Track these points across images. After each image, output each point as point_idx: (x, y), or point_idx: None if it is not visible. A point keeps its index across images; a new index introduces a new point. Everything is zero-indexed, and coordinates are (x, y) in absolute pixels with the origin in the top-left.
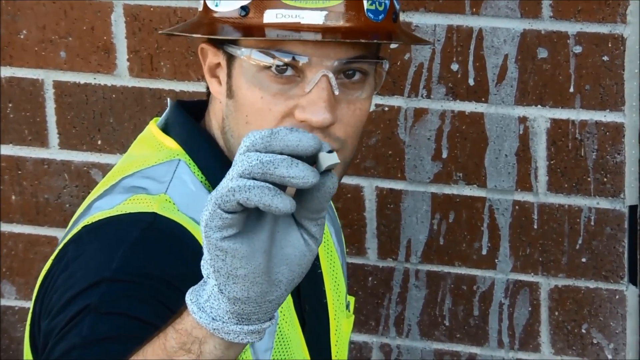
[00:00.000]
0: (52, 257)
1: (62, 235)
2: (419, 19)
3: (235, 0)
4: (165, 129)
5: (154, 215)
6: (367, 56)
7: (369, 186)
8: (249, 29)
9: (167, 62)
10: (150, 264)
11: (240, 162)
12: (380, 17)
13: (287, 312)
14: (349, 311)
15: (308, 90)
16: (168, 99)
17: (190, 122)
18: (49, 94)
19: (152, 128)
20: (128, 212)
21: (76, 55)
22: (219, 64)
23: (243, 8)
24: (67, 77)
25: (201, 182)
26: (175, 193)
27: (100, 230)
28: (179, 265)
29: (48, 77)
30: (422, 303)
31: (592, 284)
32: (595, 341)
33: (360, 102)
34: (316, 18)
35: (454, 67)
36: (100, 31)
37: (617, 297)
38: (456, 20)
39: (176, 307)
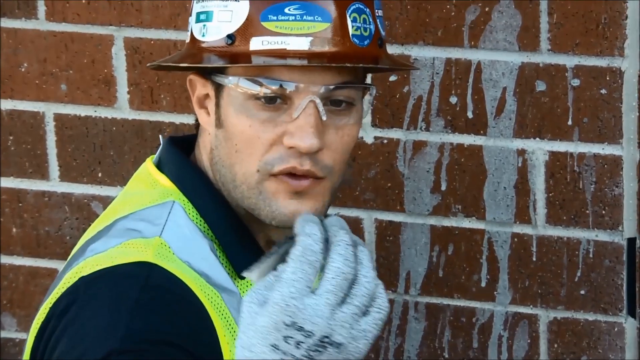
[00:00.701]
0: (50, 302)
1: (60, 271)
2: (417, 52)
3: (221, 29)
4: (159, 165)
5: (150, 267)
6: (354, 82)
7: (368, 218)
8: (235, 56)
9: (167, 94)
10: (154, 328)
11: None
12: (365, 42)
13: None
14: None
15: (295, 117)
16: (160, 137)
17: (181, 158)
18: (50, 127)
19: (148, 165)
20: (123, 262)
21: (77, 88)
22: (207, 95)
23: (229, 36)
24: (68, 109)
25: (195, 223)
26: (170, 236)
27: (97, 286)
28: (180, 323)
29: (49, 110)
30: (421, 335)
31: (590, 317)
32: None
33: (348, 128)
34: (302, 44)
35: (453, 99)
36: (100, 64)
37: (615, 329)
38: (455, 53)
39: None
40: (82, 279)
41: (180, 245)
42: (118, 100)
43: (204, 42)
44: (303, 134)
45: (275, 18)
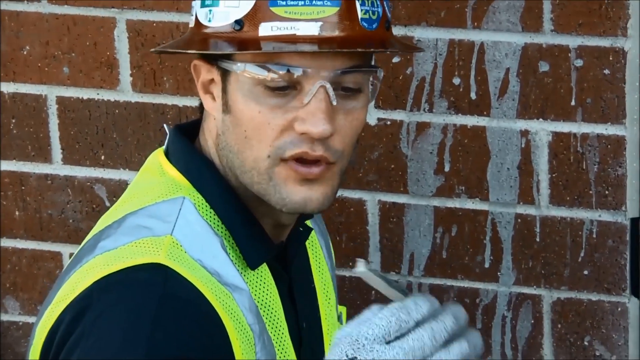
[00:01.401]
0: (59, 303)
1: (68, 264)
2: (420, 33)
3: (228, 15)
4: (167, 156)
5: (165, 272)
6: (363, 65)
7: (372, 200)
8: (244, 42)
9: (170, 77)
10: (175, 342)
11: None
12: (374, 25)
13: (280, 341)
14: (341, 323)
15: (306, 102)
16: (165, 126)
17: (187, 148)
18: (52, 110)
19: (159, 155)
20: (135, 264)
21: (79, 71)
22: (212, 80)
23: (237, 22)
24: (70, 92)
25: (205, 219)
26: (181, 234)
27: (113, 294)
28: (198, 335)
29: (51, 93)
30: None
31: (594, 297)
32: (597, 353)
33: (357, 113)
34: (312, 29)
35: (456, 81)
36: (103, 47)
37: (619, 309)
38: (458, 34)
39: None
40: (96, 283)
41: (192, 243)
42: (121, 83)
43: (210, 27)
44: (315, 119)
45: (284, 3)
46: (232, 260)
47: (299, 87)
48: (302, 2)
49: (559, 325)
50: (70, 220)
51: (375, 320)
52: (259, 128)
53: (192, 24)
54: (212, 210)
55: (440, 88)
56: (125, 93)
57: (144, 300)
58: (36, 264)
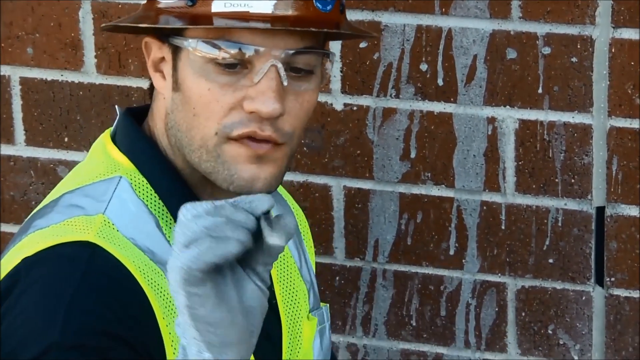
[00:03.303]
0: None
1: (11, 240)
2: (388, 19)
3: None
4: (114, 138)
5: (91, 249)
6: (315, 47)
7: (337, 185)
8: (195, 18)
9: (135, 59)
10: (94, 319)
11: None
12: (328, 7)
13: None
14: (316, 315)
15: (257, 81)
16: (117, 107)
17: (133, 129)
18: (16, 91)
19: (104, 137)
20: (64, 241)
21: (43, 52)
22: (163, 58)
23: None
24: (34, 73)
25: (141, 198)
26: (114, 213)
27: (38, 269)
28: (119, 311)
29: (15, 74)
30: (389, 303)
31: (558, 285)
32: (561, 342)
33: (308, 95)
34: (265, 7)
35: (423, 67)
36: (67, 28)
37: (583, 298)
38: (425, 20)
39: (122, 357)
40: (24, 260)
41: (125, 221)
42: (85, 65)
43: (161, 2)
44: (265, 98)
45: None
46: (167, 240)
47: (249, 65)
48: None
49: (523, 314)
50: (33, 202)
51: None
52: (208, 105)
53: (144, 0)
54: (151, 189)
55: (407, 74)
56: (89, 75)
57: (67, 275)
58: None
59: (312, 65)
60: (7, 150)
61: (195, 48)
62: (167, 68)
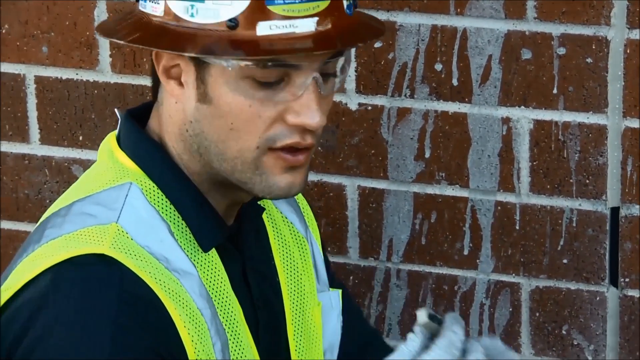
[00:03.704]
0: (7, 289)
1: (19, 250)
2: (403, 19)
3: (219, 12)
4: (119, 141)
5: (119, 269)
6: (342, 51)
7: (351, 185)
8: (240, 44)
9: (149, 58)
10: (137, 341)
11: None
12: (351, 10)
13: (231, 324)
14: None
15: (299, 95)
16: (116, 110)
17: (137, 134)
18: (31, 89)
19: (111, 141)
20: (79, 254)
21: (58, 50)
22: (176, 65)
23: (231, 20)
24: (49, 72)
25: (153, 204)
26: (127, 221)
27: (68, 294)
28: (155, 331)
29: (30, 73)
30: (403, 303)
31: (573, 285)
32: (575, 342)
33: (331, 95)
34: (309, 25)
35: (438, 67)
36: (82, 27)
37: (597, 298)
38: (440, 20)
39: None
40: (47, 279)
41: (139, 229)
42: (100, 64)
43: (193, 22)
44: (310, 112)
45: (282, 2)
46: (180, 245)
47: (287, 78)
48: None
49: (537, 314)
50: (47, 201)
51: (432, 357)
52: (249, 121)
53: (158, 12)
54: (162, 195)
55: (422, 74)
56: (104, 73)
57: (102, 301)
58: (12, 244)
59: (335, 68)
60: (21, 148)
61: (238, 68)
62: (186, 77)
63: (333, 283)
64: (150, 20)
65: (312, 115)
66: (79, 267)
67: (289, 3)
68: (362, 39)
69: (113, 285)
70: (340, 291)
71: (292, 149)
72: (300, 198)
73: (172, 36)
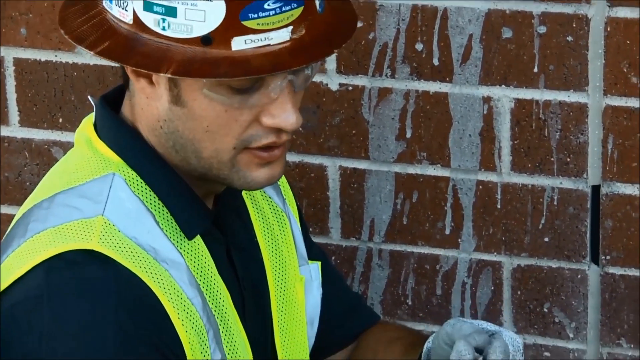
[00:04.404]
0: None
1: (3, 241)
2: None
3: (192, 29)
4: (96, 130)
5: (113, 268)
6: None
7: (333, 165)
8: (220, 61)
9: None
10: (142, 344)
11: None
12: (321, 8)
13: (220, 311)
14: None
15: (275, 97)
16: (90, 98)
17: (115, 123)
18: (9, 72)
19: (87, 129)
20: (67, 250)
21: (37, 32)
22: None
23: (206, 37)
24: (28, 54)
25: (137, 195)
26: (112, 213)
27: (64, 297)
28: (156, 327)
29: (8, 55)
30: (385, 282)
31: (554, 264)
32: (557, 320)
33: (303, 90)
34: (284, 35)
35: (419, 46)
36: None
37: (579, 276)
38: (421, 0)
39: None
40: (39, 278)
41: (125, 220)
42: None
43: (164, 35)
44: (286, 114)
45: (256, 16)
46: (166, 234)
47: (261, 81)
48: (273, 12)
49: (519, 292)
50: (28, 184)
51: None
52: (226, 125)
53: (126, 19)
54: (145, 185)
55: (403, 54)
56: (83, 55)
57: (102, 304)
58: None
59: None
60: (1, 131)
61: (213, 81)
62: (158, 77)
63: (312, 254)
64: (118, 27)
65: (287, 117)
66: (72, 267)
67: (263, 17)
68: (337, 44)
69: (109, 286)
70: (319, 263)
71: (267, 148)
72: None
73: (144, 51)
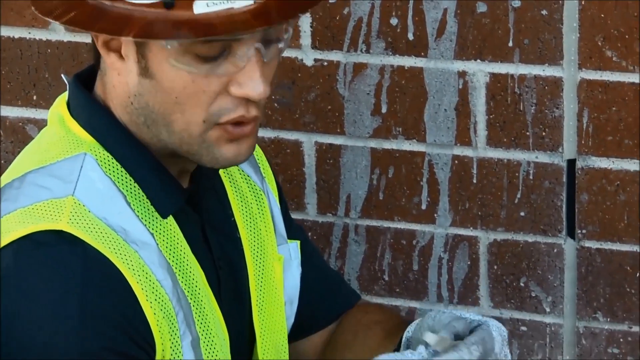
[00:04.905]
0: None
1: None
2: None
3: None
4: (69, 109)
5: (81, 249)
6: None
7: (308, 141)
8: (178, 24)
9: None
10: (105, 323)
11: None
12: None
13: (194, 292)
14: (290, 257)
15: (242, 66)
16: (63, 76)
17: (88, 101)
18: None
19: (61, 108)
20: (36, 230)
21: (10, 9)
22: (115, 38)
23: (167, 1)
24: (2, 31)
25: (108, 175)
26: (83, 194)
27: (30, 279)
28: (122, 309)
29: None
30: (361, 258)
31: (530, 238)
32: (533, 294)
33: (275, 59)
34: (246, 1)
35: (393, 21)
36: None
37: (555, 250)
38: None
39: (135, 353)
40: (5, 258)
41: (95, 201)
42: (52, 23)
43: (128, 2)
44: (253, 83)
45: None
46: (137, 215)
47: (229, 50)
48: None
49: (495, 267)
50: (3, 161)
51: None
52: (194, 95)
53: None
54: (117, 165)
55: (378, 29)
56: (57, 32)
57: (67, 283)
58: None
59: (279, 33)
60: None
61: (178, 45)
62: (127, 51)
63: (291, 233)
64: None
65: (254, 86)
66: (40, 247)
67: None
68: (302, 8)
69: (76, 266)
70: (298, 242)
71: (237, 123)
72: (256, 149)
73: (108, 18)
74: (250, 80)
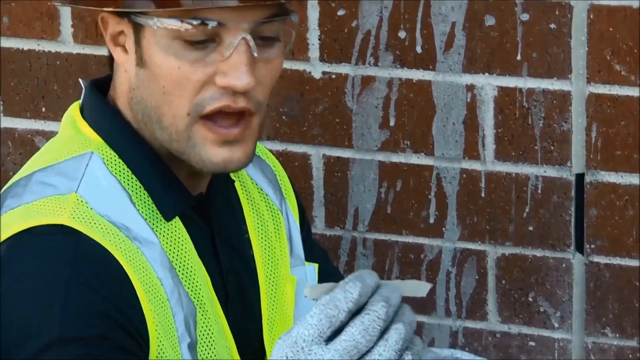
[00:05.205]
0: None
1: None
2: None
3: None
4: (82, 111)
5: (76, 237)
6: (281, 13)
7: (316, 154)
8: None
9: None
10: (90, 309)
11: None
12: None
13: (197, 295)
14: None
15: (227, 55)
16: (80, 80)
17: (100, 103)
18: None
19: (74, 111)
20: (37, 224)
21: (19, 21)
22: (122, 32)
23: None
24: (10, 43)
25: (114, 174)
26: (86, 191)
27: (23, 263)
28: (114, 299)
29: None
30: None
31: (538, 253)
32: (542, 309)
33: (275, 61)
34: None
35: (402, 34)
36: None
37: (563, 265)
38: None
39: (126, 343)
40: (5, 250)
41: (98, 198)
42: (62, 34)
43: None
44: (238, 73)
45: None
46: (141, 214)
47: (218, 39)
48: None
49: (503, 281)
50: (10, 173)
51: (308, 319)
52: (179, 83)
53: None
54: (123, 165)
55: (386, 42)
56: (66, 44)
57: (56, 269)
58: None
59: (277, 32)
60: None
61: (162, 27)
62: (128, 42)
63: (311, 256)
64: None
65: (238, 76)
66: (36, 237)
67: None
68: None
69: (67, 252)
70: (316, 265)
71: (223, 115)
72: (277, 167)
73: None
74: (236, 70)
